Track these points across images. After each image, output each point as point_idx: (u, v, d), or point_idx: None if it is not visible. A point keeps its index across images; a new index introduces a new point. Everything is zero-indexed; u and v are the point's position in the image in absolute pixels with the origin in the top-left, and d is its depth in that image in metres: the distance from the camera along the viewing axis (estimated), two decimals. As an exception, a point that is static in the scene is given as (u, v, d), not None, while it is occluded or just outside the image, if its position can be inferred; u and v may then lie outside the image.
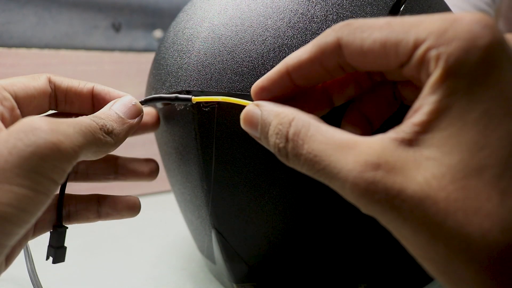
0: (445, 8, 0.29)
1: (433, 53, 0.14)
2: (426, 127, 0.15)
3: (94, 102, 0.27)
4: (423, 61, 0.15)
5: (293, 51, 0.24)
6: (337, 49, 0.18)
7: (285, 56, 0.23)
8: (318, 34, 0.22)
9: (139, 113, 0.25)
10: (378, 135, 0.16)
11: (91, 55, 0.57)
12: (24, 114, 0.24)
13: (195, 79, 0.25)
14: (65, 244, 0.26)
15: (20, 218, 0.18)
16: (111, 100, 0.26)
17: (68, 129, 0.20)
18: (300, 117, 0.18)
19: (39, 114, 0.26)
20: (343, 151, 0.16)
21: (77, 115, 0.27)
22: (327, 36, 0.18)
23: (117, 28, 0.61)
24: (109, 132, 0.23)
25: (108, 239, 0.45)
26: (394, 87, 0.21)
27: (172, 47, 0.29)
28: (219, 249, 0.29)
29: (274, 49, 0.24)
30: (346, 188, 0.16)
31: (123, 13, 0.62)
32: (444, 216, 0.13)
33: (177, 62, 0.27)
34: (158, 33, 0.65)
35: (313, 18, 0.24)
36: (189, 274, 0.37)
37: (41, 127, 0.19)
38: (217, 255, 0.30)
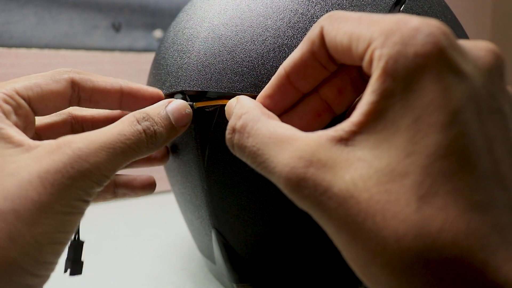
0: (446, 8, 0.29)
1: (377, 53, 0.15)
2: (362, 128, 0.15)
3: (123, 100, 0.26)
4: (372, 60, 0.15)
5: (293, 51, 0.24)
6: (322, 38, 0.18)
7: (285, 56, 0.24)
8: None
9: (188, 122, 0.24)
10: (318, 132, 0.16)
11: (91, 55, 0.57)
12: (38, 114, 0.24)
13: (195, 79, 0.25)
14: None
15: (66, 238, 0.20)
16: (143, 98, 0.26)
17: (103, 156, 0.20)
18: (252, 112, 0.19)
19: (55, 112, 0.25)
20: (282, 146, 0.16)
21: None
22: (314, 28, 0.18)
23: (117, 28, 0.61)
24: (154, 141, 0.23)
25: (108, 239, 0.45)
26: None
27: (172, 47, 0.29)
28: (219, 249, 0.29)
29: (274, 49, 0.24)
30: (281, 183, 0.16)
31: (123, 13, 0.62)
32: (364, 217, 0.14)
33: (177, 62, 0.27)
34: (158, 33, 0.65)
35: (313, 18, 0.24)
36: (189, 274, 0.37)
37: (81, 157, 0.20)
38: (217, 255, 0.30)
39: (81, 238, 0.27)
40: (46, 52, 0.54)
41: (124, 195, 0.28)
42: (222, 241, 0.28)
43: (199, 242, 0.34)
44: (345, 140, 0.15)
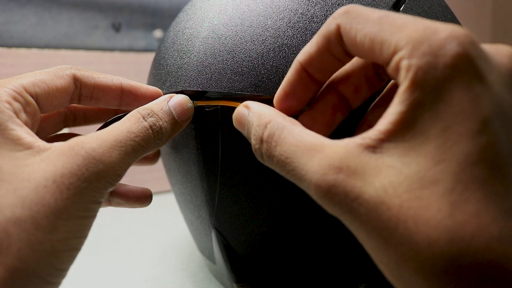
0: (446, 8, 0.29)
1: (405, 63, 0.15)
2: (390, 136, 0.15)
3: (123, 97, 0.26)
4: (398, 69, 0.15)
5: (293, 51, 0.24)
6: (339, 35, 0.18)
7: (285, 56, 0.24)
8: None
9: (190, 117, 0.25)
10: (345, 139, 0.16)
11: (91, 55, 0.58)
12: (42, 112, 0.23)
13: (195, 79, 0.25)
14: None
15: (81, 243, 0.20)
16: (143, 96, 0.26)
17: (116, 155, 0.20)
18: (276, 120, 0.19)
19: (57, 109, 0.25)
20: (311, 153, 0.16)
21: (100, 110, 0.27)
22: (329, 25, 0.18)
23: (117, 28, 0.61)
24: (161, 136, 0.23)
25: (108, 239, 0.45)
26: None
27: (172, 47, 0.29)
28: (219, 249, 0.29)
29: (274, 49, 0.24)
30: (311, 189, 0.16)
31: (123, 13, 0.62)
32: (396, 222, 0.14)
33: (177, 62, 0.27)
34: (158, 33, 0.65)
35: (313, 18, 0.24)
36: (189, 274, 0.37)
37: (95, 157, 0.19)
38: (217, 255, 0.30)
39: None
40: (46, 52, 0.54)
41: (118, 205, 0.28)
42: (222, 241, 0.28)
43: (199, 242, 0.34)
44: (372, 147, 0.15)
